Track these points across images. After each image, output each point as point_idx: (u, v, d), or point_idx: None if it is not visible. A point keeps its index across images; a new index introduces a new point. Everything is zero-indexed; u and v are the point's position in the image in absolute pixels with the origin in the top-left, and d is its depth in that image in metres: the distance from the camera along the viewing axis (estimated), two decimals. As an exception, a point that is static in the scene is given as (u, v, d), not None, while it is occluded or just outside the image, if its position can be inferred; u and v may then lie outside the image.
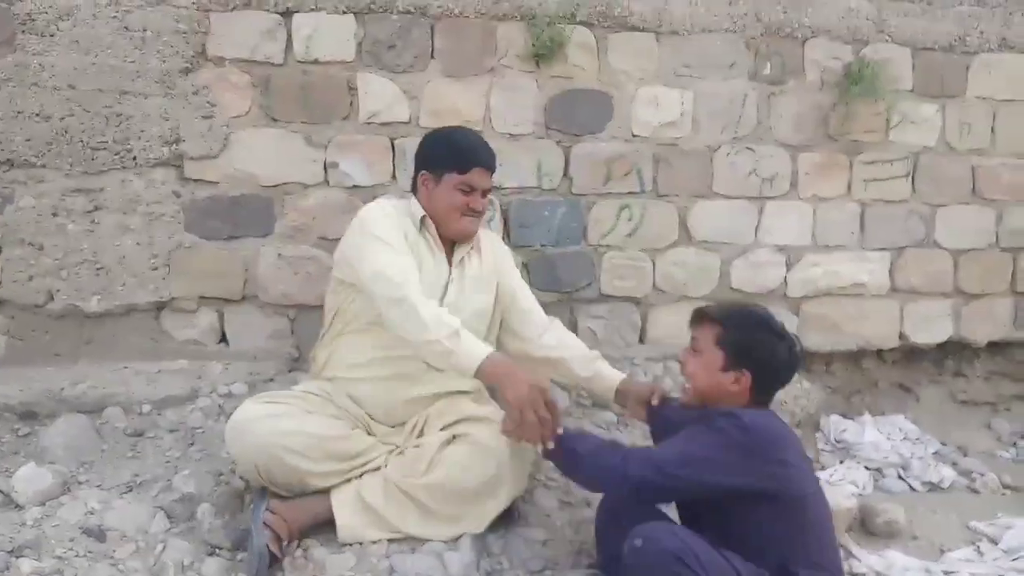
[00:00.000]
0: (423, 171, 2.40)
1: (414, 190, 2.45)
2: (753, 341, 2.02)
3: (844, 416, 3.54)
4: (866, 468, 3.23)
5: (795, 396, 3.34)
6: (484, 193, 2.41)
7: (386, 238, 2.26)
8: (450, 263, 2.41)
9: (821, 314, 3.51)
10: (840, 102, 3.38)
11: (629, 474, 1.95)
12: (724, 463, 1.89)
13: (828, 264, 3.49)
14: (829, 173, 3.45)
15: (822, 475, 3.16)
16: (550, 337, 2.53)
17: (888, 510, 2.83)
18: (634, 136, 3.22)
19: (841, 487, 3.03)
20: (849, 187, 3.48)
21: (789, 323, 3.45)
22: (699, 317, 2.12)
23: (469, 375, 2.12)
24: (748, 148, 3.35)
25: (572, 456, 2.08)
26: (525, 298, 2.56)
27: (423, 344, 2.13)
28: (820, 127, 3.41)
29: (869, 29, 3.40)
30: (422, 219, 2.38)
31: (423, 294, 2.18)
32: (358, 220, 2.35)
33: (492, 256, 2.53)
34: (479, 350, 2.11)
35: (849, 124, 3.41)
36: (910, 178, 3.52)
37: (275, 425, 2.17)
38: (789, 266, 3.46)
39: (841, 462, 3.28)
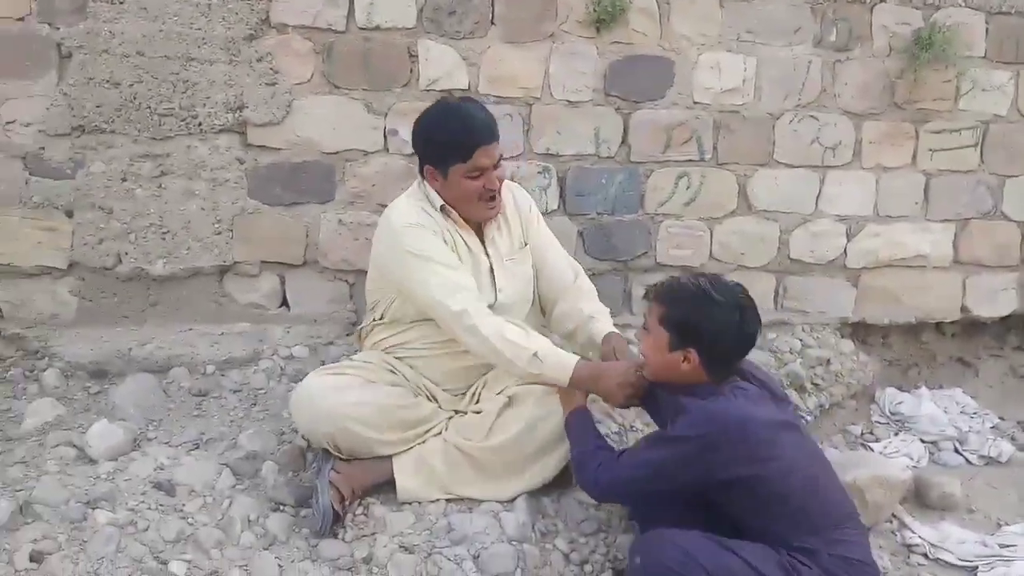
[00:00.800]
0: (427, 165, 2.29)
1: (422, 174, 2.34)
2: (695, 319, 1.96)
3: (901, 389, 3.48)
4: (922, 441, 3.19)
5: (850, 368, 3.32)
6: (497, 165, 2.27)
7: (428, 253, 2.21)
8: (483, 244, 2.36)
9: (881, 286, 3.46)
10: (908, 69, 3.28)
11: (600, 482, 2.04)
12: (684, 466, 1.90)
13: (890, 235, 3.43)
14: (894, 142, 3.36)
15: (876, 447, 3.14)
16: (560, 310, 2.50)
17: (944, 483, 2.81)
18: (695, 103, 3.17)
19: (896, 459, 3.01)
20: (914, 156, 3.40)
21: (847, 295, 3.43)
22: (648, 296, 2.08)
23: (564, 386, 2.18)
24: (811, 116, 3.27)
25: (568, 431, 2.17)
26: (550, 258, 2.51)
27: (508, 369, 2.20)
28: (886, 95, 3.32)
29: (941, -8, 3.29)
30: (441, 208, 2.30)
31: (481, 300, 2.21)
32: (390, 232, 2.29)
33: (516, 217, 2.45)
34: (564, 365, 2.15)
35: (917, 92, 3.32)
36: (979, 148, 3.42)
37: (340, 397, 2.21)
38: (850, 236, 3.40)
39: (896, 434, 3.24)
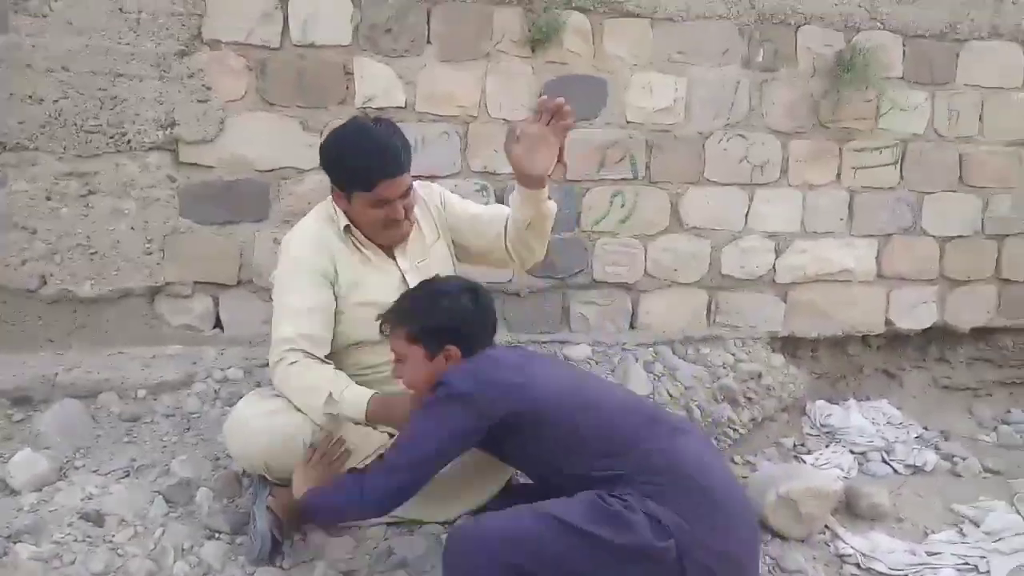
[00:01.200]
0: (333, 186, 2.24)
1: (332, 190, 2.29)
2: (436, 319, 2.01)
3: (830, 401, 3.59)
4: (851, 452, 3.28)
5: (782, 382, 3.40)
6: (404, 196, 2.19)
7: (286, 296, 2.20)
8: (393, 256, 2.31)
9: (809, 300, 3.56)
10: (831, 89, 3.40)
11: (366, 500, 1.95)
12: (451, 427, 1.91)
13: (816, 250, 3.53)
14: (819, 160, 3.48)
15: (808, 459, 3.22)
16: (497, 226, 2.40)
17: (873, 493, 2.89)
18: (628, 122, 3.23)
19: (827, 470, 3.09)
20: (839, 174, 3.52)
21: (776, 310, 3.53)
22: (383, 330, 2.08)
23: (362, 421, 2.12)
24: (740, 135, 3.37)
25: (314, 512, 2.08)
26: (473, 216, 2.45)
27: (310, 414, 2.13)
28: (811, 114, 3.43)
29: (862, 16, 3.41)
30: (345, 228, 2.25)
31: (316, 347, 2.17)
32: (281, 261, 2.28)
33: (428, 218, 2.39)
34: (358, 402, 2.10)
35: (840, 111, 3.44)
36: (898, 165, 3.56)
37: (272, 422, 2.16)
38: (778, 252, 3.49)
39: (827, 446, 3.33)
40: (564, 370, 2.14)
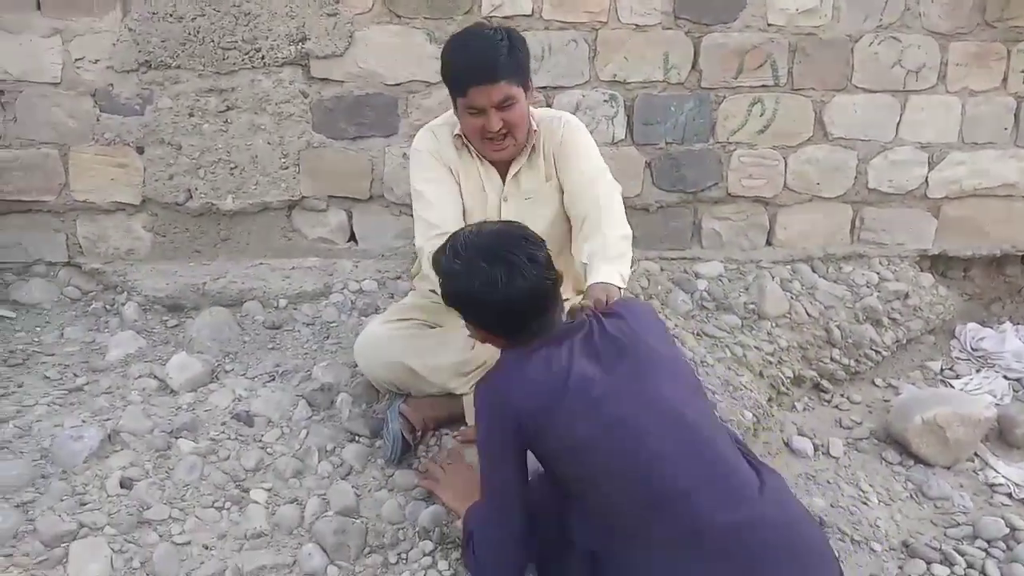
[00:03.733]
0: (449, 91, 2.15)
1: None
2: (451, 291, 1.72)
3: (983, 324, 3.35)
4: (1005, 378, 3.08)
5: (930, 302, 3.21)
6: (501, 108, 2.03)
7: (419, 186, 2.19)
8: (503, 178, 2.22)
9: (964, 216, 3.32)
10: (1002, -18, 3.08)
11: (488, 552, 1.73)
12: (499, 442, 1.66)
13: (975, 163, 3.27)
14: (983, 63, 3.18)
15: (956, 384, 3.05)
16: (580, 211, 2.19)
17: (1030, 421, 2.72)
18: (769, 25, 3.03)
19: (978, 396, 2.91)
20: (1005, 79, 3.21)
21: (927, 226, 3.30)
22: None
23: None
24: (893, 37, 3.10)
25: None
26: (575, 178, 2.20)
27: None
28: (975, 12, 3.12)
29: (1040, -103, 3.05)
30: (456, 136, 2.19)
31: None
32: (411, 159, 2.27)
33: (549, 151, 2.23)
34: None
35: (1011, 8, 3.11)
36: (1078, 68, 3.22)
37: (403, 347, 2.20)
38: (932, 165, 3.25)
39: (978, 371, 3.14)
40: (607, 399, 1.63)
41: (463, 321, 1.79)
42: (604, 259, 1.99)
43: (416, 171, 2.23)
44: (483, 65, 2.01)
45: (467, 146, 2.20)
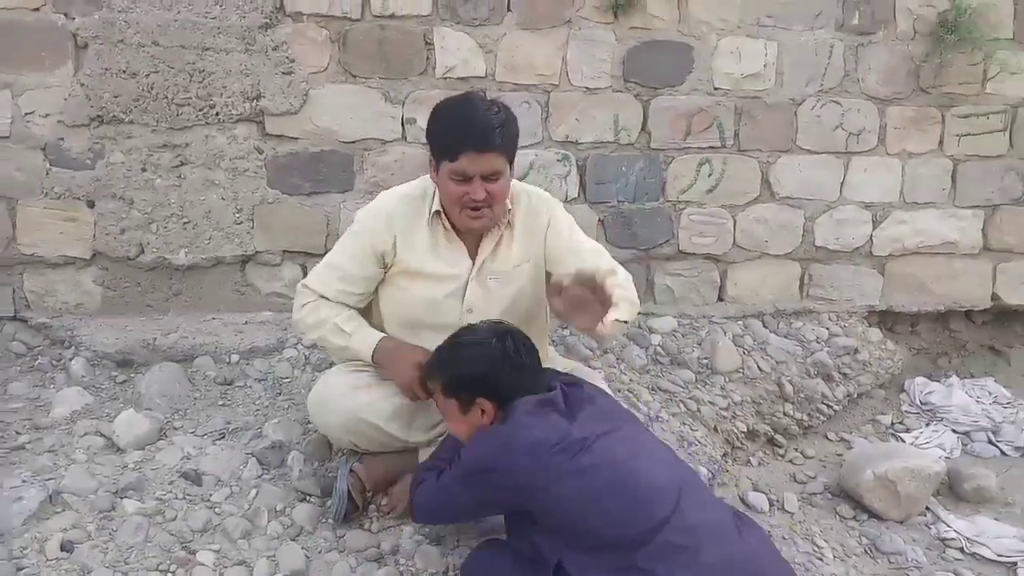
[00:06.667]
0: (430, 156, 2.10)
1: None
2: (463, 370, 1.88)
3: (930, 378, 3.43)
4: (954, 431, 3.14)
5: (879, 357, 3.27)
6: (487, 179, 2.00)
7: (337, 257, 2.17)
8: (473, 258, 2.15)
9: (908, 273, 3.42)
10: (934, 52, 3.24)
11: (418, 509, 2.01)
12: (474, 495, 1.85)
13: (916, 222, 3.39)
14: (920, 127, 3.32)
15: (907, 437, 3.09)
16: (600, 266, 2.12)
17: (978, 475, 2.76)
18: (715, 89, 3.14)
19: (928, 450, 2.96)
20: (941, 142, 3.35)
21: (873, 283, 3.39)
22: (427, 379, 1.99)
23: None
24: (834, 101, 3.23)
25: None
26: (573, 252, 2.15)
27: (322, 344, 2.21)
28: (911, 79, 3.27)
29: (967, -27, 3.23)
30: (435, 213, 2.12)
31: (335, 308, 2.16)
32: (353, 224, 2.21)
33: (531, 232, 2.18)
34: (368, 340, 2.12)
35: (943, 75, 3.27)
36: (1008, 132, 3.37)
37: (356, 399, 2.15)
38: (876, 223, 3.35)
39: (927, 425, 3.19)
40: (608, 426, 1.83)
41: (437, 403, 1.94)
42: (620, 287, 1.93)
43: (348, 241, 2.18)
44: (479, 133, 1.98)
45: (441, 221, 2.14)
